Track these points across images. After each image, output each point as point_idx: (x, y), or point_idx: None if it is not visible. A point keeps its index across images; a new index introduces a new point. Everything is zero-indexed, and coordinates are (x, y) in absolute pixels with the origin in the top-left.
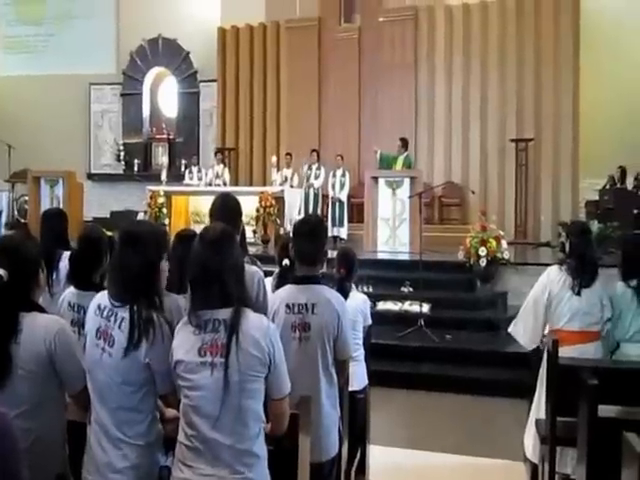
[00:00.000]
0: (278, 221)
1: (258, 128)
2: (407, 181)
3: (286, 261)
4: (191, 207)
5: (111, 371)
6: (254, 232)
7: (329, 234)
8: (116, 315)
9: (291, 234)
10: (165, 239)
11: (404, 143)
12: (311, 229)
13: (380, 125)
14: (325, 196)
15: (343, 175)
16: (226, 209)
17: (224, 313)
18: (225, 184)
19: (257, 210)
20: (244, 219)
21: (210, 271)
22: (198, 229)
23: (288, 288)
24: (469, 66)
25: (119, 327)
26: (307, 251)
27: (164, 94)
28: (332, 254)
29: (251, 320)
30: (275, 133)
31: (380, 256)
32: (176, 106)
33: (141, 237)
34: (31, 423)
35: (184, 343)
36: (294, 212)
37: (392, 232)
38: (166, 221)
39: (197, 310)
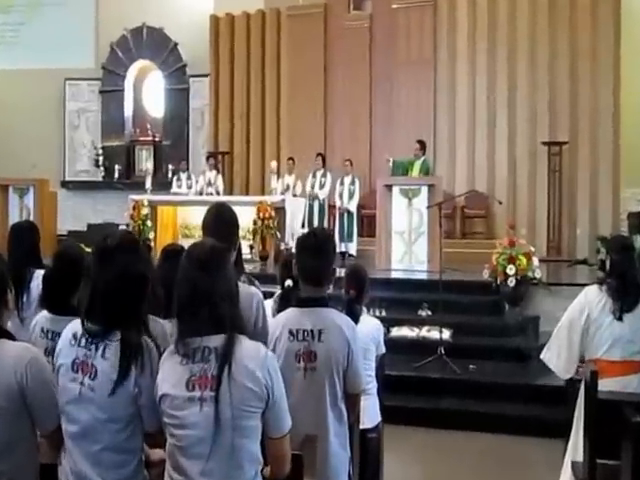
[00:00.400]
0: (278, 235)
1: (256, 129)
2: (425, 189)
3: (289, 281)
4: (179, 219)
5: (94, 408)
6: (251, 247)
7: (337, 250)
8: (98, 343)
9: (294, 250)
10: (147, 252)
11: (422, 146)
12: (317, 244)
13: (394, 126)
14: (332, 207)
15: (352, 183)
16: (221, 222)
17: (215, 340)
18: (218, 193)
19: (254, 222)
20: (240, 233)
21: (199, 293)
22: (187, 244)
23: (291, 312)
24: (495, 60)
25: (102, 356)
26: (312, 269)
27: (149, 91)
28: (340, 272)
29: (246, 348)
30: (275, 135)
31: (394, 275)
32: (162, 104)
33: (121, 249)
34: (1, 465)
35: (170, 375)
36: (297, 225)
37: (408, 248)
38: (151, 235)
39: (185, 337)
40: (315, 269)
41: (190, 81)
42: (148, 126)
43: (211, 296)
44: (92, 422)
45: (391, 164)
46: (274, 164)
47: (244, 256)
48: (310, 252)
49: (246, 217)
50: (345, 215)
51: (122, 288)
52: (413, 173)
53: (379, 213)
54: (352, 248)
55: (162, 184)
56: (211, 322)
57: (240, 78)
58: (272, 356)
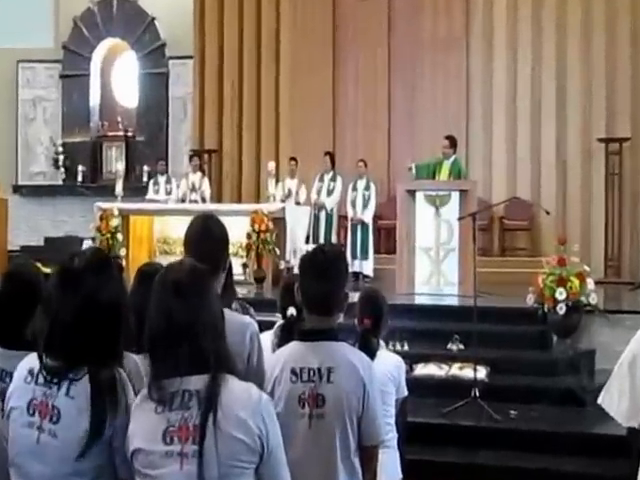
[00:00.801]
0: (277, 252)
1: (250, 123)
2: (456, 196)
3: (291, 310)
4: (157, 232)
5: (55, 459)
6: (244, 267)
7: (349, 269)
8: (61, 380)
9: (297, 271)
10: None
11: (452, 143)
12: (325, 264)
13: (418, 119)
14: (343, 217)
15: (367, 188)
16: (207, 237)
17: (197, 382)
18: (204, 200)
19: (248, 236)
20: (230, 249)
21: (176, 325)
22: (167, 263)
23: (294, 346)
24: (540, 42)
25: (67, 394)
26: (320, 295)
27: (119, 76)
28: (353, 298)
29: (235, 391)
30: (273, 130)
31: (419, 301)
32: (136, 92)
33: (90, 271)
34: None
35: (143, 426)
36: (300, 239)
37: (435, 267)
38: (122, 251)
39: (159, 379)
40: (323, 294)
41: (170, 64)
42: (118, 119)
43: (191, 328)
44: (50, 476)
45: (414, 171)
46: (272, 165)
47: (235, 277)
48: (317, 274)
49: (238, 230)
50: (359, 227)
51: (90, 318)
52: (441, 176)
53: (400, 225)
54: (367, 268)
55: (136, 189)
56: (191, 360)
57: (231, 61)
58: (267, 400)
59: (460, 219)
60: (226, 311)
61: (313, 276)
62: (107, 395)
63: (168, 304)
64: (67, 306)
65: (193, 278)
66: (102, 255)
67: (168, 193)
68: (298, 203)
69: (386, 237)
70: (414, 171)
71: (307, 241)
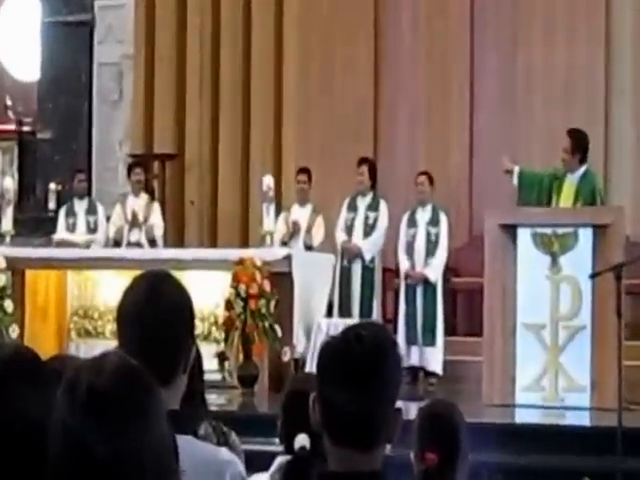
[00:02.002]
0: (278, 332)
1: (232, 109)
2: (587, 236)
3: (302, 438)
4: (72, 298)
5: None
6: (221, 359)
7: (402, 364)
8: None
9: (313, 368)
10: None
11: (579, 143)
12: (363, 361)
13: (522, 105)
14: (391, 272)
15: (433, 221)
16: (157, 313)
17: None
18: (153, 242)
19: (229, 306)
20: (197, 328)
21: (94, 467)
22: (91, 352)
23: None
24: None
25: None
26: (354, 415)
27: (8, 28)
28: (409, 413)
29: None
30: (272, 123)
31: (522, 417)
32: (38, 57)
33: (11, 376)
34: None
35: None
36: (317, 310)
37: (551, 359)
38: (13, 331)
39: None
40: (359, 414)
41: (96, 7)
42: (7, 102)
43: (117, 473)
44: None
45: (516, 179)
46: (269, 181)
47: (207, 377)
48: (348, 378)
49: (212, 294)
50: (419, 290)
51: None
52: (561, 199)
53: (490, 286)
54: (434, 360)
55: (36, 222)
56: None
57: (197, 1)
58: None
59: (595, 276)
60: (187, 441)
61: (342, 382)
62: None
63: (79, 431)
64: None
65: (123, 385)
66: (26, 353)
67: (91, 230)
68: (310, 247)
69: (465, 307)
70: (516, 179)
71: (329, 313)
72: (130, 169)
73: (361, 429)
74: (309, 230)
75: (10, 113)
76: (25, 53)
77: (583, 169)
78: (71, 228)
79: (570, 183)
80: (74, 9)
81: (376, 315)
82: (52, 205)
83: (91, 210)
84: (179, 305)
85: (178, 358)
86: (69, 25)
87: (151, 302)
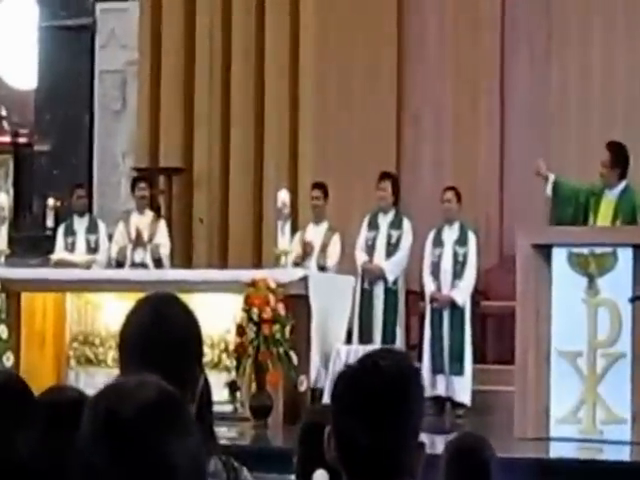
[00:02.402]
0: (294, 360)
1: (244, 121)
2: (627, 256)
3: (320, 476)
4: (72, 322)
5: None
6: (232, 387)
7: (426, 393)
8: None
9: (330, 401)
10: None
11: (618, 157)
12: (382, 392)
13: (556, 119)
14: (415, 294)
15: (461, 241)
16: (162, 339)
17: None
18: (158, 262)
19: (240, 331)
20: (206, 356)
21: None
22: (93, 387)
23: None
24: None
25: None
26: (373, 451)
27: (4, 31)
28: (434, 448)
29: None
30: (287, 135)
31: (558, 451)
32: (35, 63)
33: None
34: None
35: None
36: (336, 336)
37: (589, 389)
38: (7, 359)
39: None
40: (379, 449)
41: (97, 10)
42: (2, 112)
43: None
44: None
45: (550, 188)
46: (284, 197)
47: (216, 409)
48: (367, 410)
49: (222, 319)
50: (445, 315)
51: None
52: (599, 217)
53: (522, 310)
54: (461, 390)
55: (32, 241)
56: None
57: (206, 4)
58: None
59: (635, 300)
60: None
61: (359, 415)
62: None
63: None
64: None
65: (163, 409)
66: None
67: (92, 250)
68: (323, 268)
69: (496, 332)
70: (549, 189)
71: (349, 339)
72: (134, 184)
73: (380, 465)
74: (324, 249)
75: (5, 124)
76: (21, 60)
77: (623, 185)
78: (70, 248)
79: (608, 200)
80: (74, 12)
81: (400, 341)
82: (50, 223)
83: (92, 228)
84: (186, 331)
85: (185, 388)
86: (69, 29)
87: (156, 328)
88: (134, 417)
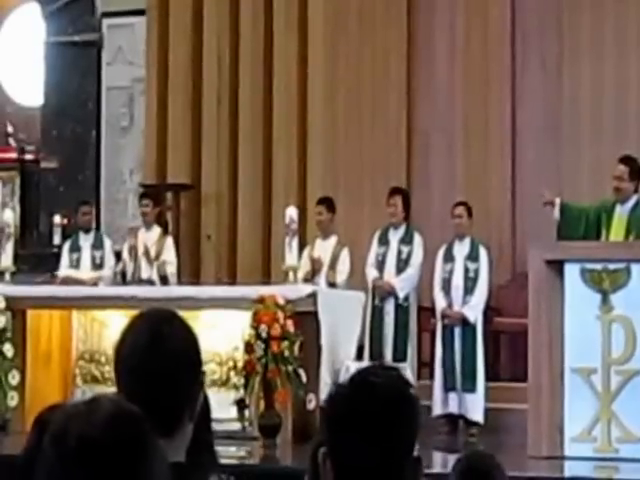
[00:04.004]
0: (303, 377)
1: (252, 135)
2: None
3: None
4: (78, 340)
5: None
6: (240, 406)
7: (440, 410)
8: None
9: (323, 421)
10: None
11: (635, 170)
12: (377, 411)
13: (569, 132)
14: (426, 310)
15: (473, 257)
16: (159, 359)
17: None
18: (164, 279)
19: (249, 348)
20: (217, 372)
21: None
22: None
23: None
24: None
25: None
26: (371, 467)
27: (10, 48)
28: (446, 464)
29: None
30: (295, 147)
31: (572, 470)
32: (41, 79)
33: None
34: None
35: None
36: (347, 353)
37: (602, 407)
38: (13, 377)
39: None
40: (377, 468)
41: (104, 26)
42: (9, 128)
43: None
44: None
45: (557, 212)
46: (292, 213)
47: (223, 427)
48: (365, 430)
49: (229, 337)
50: (457, 332)
51: None
52: (612, 233)
53: (535, 327)
54: (474, 408)
55: (38, 258)
56: None
57: (216, 16)
58: None
59: None
60: None
61: (357, 435)
62: None
63: None
64: None
65: (115, 434)
66: None
67: (97, 266)
68: (333, 285)
69: (509, 350)
70: (557, 214)
71: (359, 356)
72: (142, 198)
73: None
74: (333, 266)
75: (12, 141)
76: (28, 76)
77: (634, 199)
78: (75, 264)
79: (620, 215)
80: (80, 28)
81: (411, 358)
82: (57, 240)
83: (97, 244)
84: (185, 348)
85: (183, 407)
86: (75, 45)
87: (153, 347)
88: (92, 439)
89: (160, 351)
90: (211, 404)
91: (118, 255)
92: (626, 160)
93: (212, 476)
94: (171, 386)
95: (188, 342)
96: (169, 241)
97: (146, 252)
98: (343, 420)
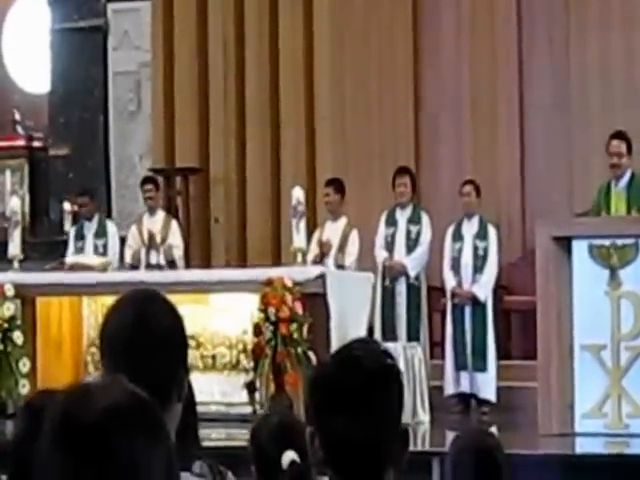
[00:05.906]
0: (313, 359)
1: (260, 118)
2: None
3: (290, 455)
4: (88, 327)
5: None
6: (250, 388)
7: (452, 390)
8: None
9: (308, 400)
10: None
11: (630, 144)
12: (362, 387)
13: (578, 108)
14: (436, 290)
15: (481, 235)
16: (142, 340)
17: None
18: (172, 263)
19: (257, 330)
20: (220, 356)
21: None
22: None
23: None
24: None
25: None
26: (361, 443)
27: (17, 35)
28: (442, 443)
29: None
30: (303, 129)
31: (583, 447)
32: (48, 66)
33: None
34: None
35: None
36: (355, 335)
37: (612, 383)
38: (24, 365)
39: None
40: (367, 443)
41: (109, 11)
42: (16, 116)
43: None
44: None
45: None
46: (298, 194)
47: (237, 411)
48: (353, 406)
49: (239, 319)
50: (467, 310)
51: None
52: (612, 206)
53: (543, 304)
54: (486, 387)
55: (49, 246)
56: None
57: (220, 4)
58: None
59: None
60: (184, 478)
61: (345, 412)
62: None
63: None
64: None
65: (133, 416)
66: None
67: (100, 254)
68: (343, 267)
69: (520, 328)
70: None
71: (371, 336)
72: (143, 184)
73: (367, 458)
74: (342, 248)
75: (19, 128)
76: (34, 63)
77: (629, 174)
78: (79, 252)
79: (618, 192)
80: (86, 14)
81: (423, 338)
82: (68, 227)
83: (100, 233)
84: (170, 326)
85: (171, 385)
86: (81, 31)
87: (139, 325)
88: (94, 423)
89: (145, 329)
90: (217, 388)
91: (123, 240)
92: (621, 135)
93: (198, 461)
94: (157, 364)
95: (173, 321)
96: (174, 225)
97: (151, 237)
98: (329, 396)
